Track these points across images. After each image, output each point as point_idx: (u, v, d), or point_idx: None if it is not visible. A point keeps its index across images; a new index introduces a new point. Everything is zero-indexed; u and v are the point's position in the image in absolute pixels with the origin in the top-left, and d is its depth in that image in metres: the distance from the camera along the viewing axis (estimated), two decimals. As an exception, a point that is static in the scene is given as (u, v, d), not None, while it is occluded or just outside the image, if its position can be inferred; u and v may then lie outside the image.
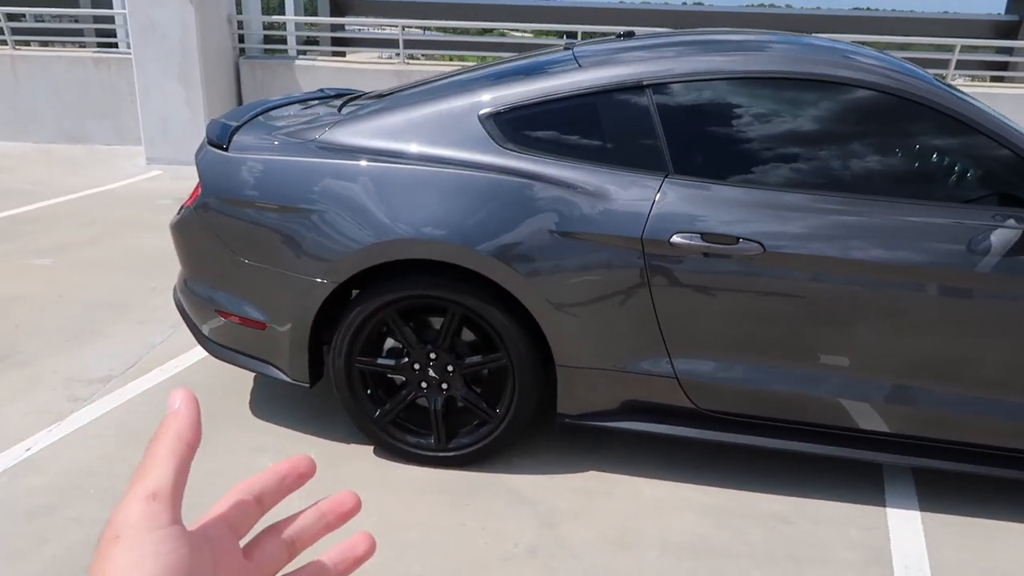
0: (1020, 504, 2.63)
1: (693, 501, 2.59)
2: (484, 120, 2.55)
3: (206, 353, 3.39)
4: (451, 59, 8.93)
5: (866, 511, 2.58)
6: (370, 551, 0.46)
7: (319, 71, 7.45)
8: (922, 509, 2.60)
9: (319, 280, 2.54)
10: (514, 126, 2.54)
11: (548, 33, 14.26)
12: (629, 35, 2.99)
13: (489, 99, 2.57)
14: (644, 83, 2.49)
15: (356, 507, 0.46)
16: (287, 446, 2.80)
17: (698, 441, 2.74)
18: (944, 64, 6.86)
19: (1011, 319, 2.30)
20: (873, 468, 2.80)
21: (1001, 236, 2.29)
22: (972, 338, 2.34)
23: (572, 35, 7.63)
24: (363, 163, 2.54)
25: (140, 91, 7.02)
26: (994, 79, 7.58)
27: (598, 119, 2.51)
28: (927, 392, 2.42)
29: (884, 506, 2.61)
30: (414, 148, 2.55)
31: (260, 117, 2.93)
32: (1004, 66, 7.41)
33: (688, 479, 2.70)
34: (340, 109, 2.92)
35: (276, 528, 0.44)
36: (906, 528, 2.51)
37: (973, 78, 7.57)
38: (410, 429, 2.71)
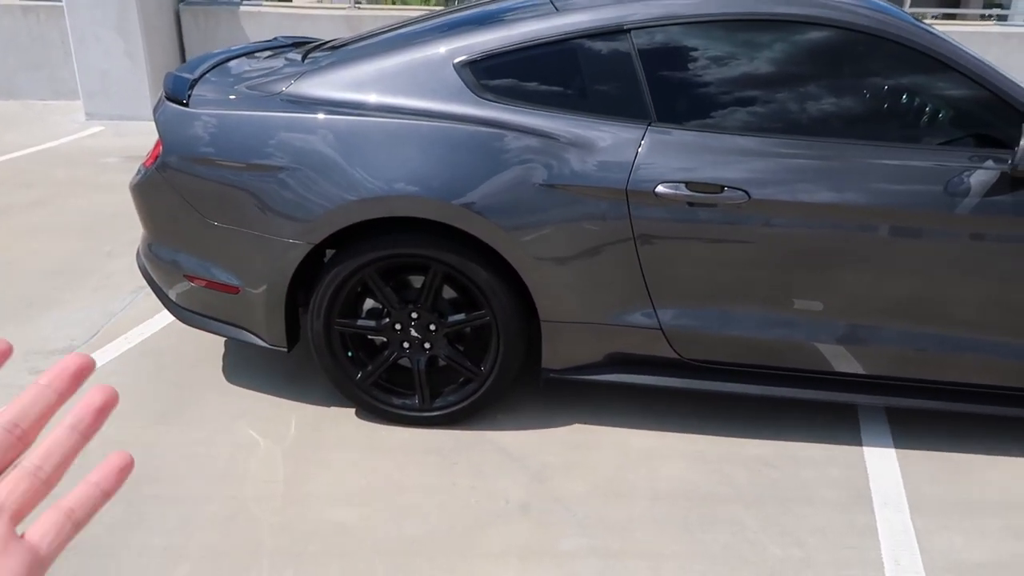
0: (989, 436, 2.73)
1: (679, 449, 2.62)
2: (459, 69, 2.45)
3: (171, 320, 3.30)
4: (394, 2, 8.61)
5: (844, 451, 2.64)
6: (111, 399, 0.43)
7: (265, 17, 7.12)
8: (896, 446, 2.68)
9: (293, 241, 2.44)
10: (491, 74, 2.45)
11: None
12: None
13: (464, 46, 2.47)
14: (625, 27, 2.42)
15: (88, 366, 0.43)
16: (267, 410, 2.74)
17: (681, 390, 2.77)
18: (898, 2, 6.87)
19: (990, 259, 2.34)
20: (848, 409, 2.86)
21: (980, 177, 2.31)
22: (951, 278, 2.37)
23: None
24: (334, 116, 2.43)
25: (75, 41, 6.63)
26: (945, 16, 7.64)
27: (578, 65, 2.43)
28: (907, 333, 2.46)
29: (861, 445, 2.68)
30: (387, 99, 2.45)
31: (217, 69, 2.78)
32: (956, 3, 7.47)
33: (672, 428, 2.73)
34: (303, 59, 2.78)
35: None
36: (883, 466, 2.58)
37: (926, 16, 7.62)
38: (393, 390, 2.67)
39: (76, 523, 0.41)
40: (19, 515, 0.39)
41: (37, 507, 0.40)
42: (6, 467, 0.40)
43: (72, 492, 0.42)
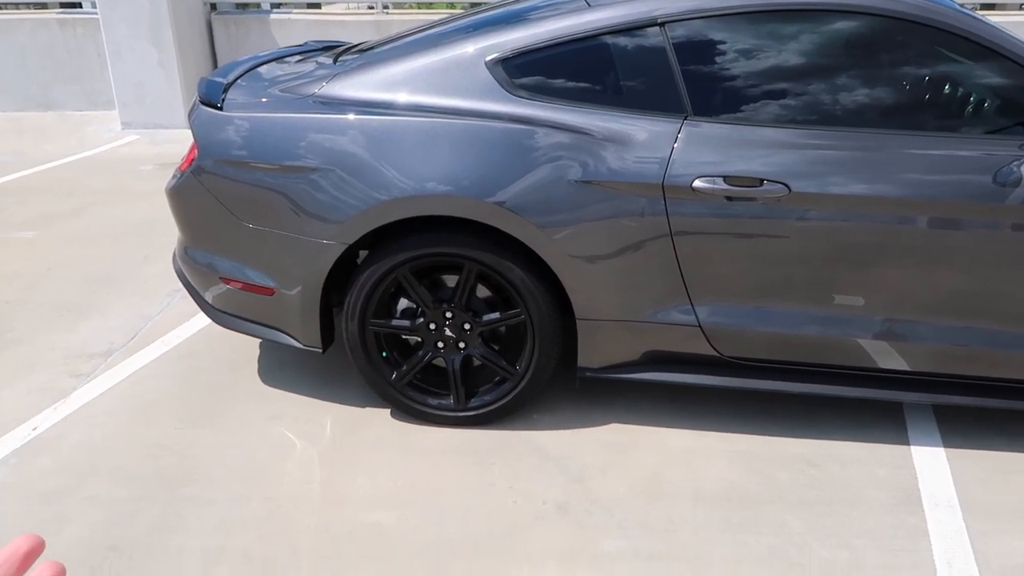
0: (1043, 436, 2.63)
1: (719, 448, 2.57)
2: (492, 66, 2.43)
3: (207, 322, 3.32)
4: (419, 7, 8.64)
5: (891, 450, 2.57)
6: (37, 548, 0.45)
7: (295, 24, 7.19)
8: (946, 445, 2.59)
9: (327, 242, 2.44)
10: (524, 71, 2.43)
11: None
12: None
13: (496, 44, 2.45)
14: (659, 20, 2.38)
15: (38, 547, 0.45)
16: (302, 412, 2.74)
17: (721, 389, 2.72)
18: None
19: (1041, 251, 2.26)
20: (893, 407, 2.78)
21: (1031, 166, 2.23)
22: (1001, 272, 2.30)
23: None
24: (367, 117, 2.42)
25: (110, 53, 6.75)
26: (984, 6, 7.47)
27: (611, 60, 2.40)
28: (954, 329, 2.38)
29: (908, 444, 2.60)
30: (419, 99, 2.44)
31: (250, 73, 2.79)
32: (995, -7, 7.29)
33: (711, 427, 2.67)
34: (335, 61, 2.78)
35: None
36: (932, 465, 2.50)
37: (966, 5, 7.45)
38: (428, 390, 2.65)
39: None
40: None
41: None
42: None
43: None
